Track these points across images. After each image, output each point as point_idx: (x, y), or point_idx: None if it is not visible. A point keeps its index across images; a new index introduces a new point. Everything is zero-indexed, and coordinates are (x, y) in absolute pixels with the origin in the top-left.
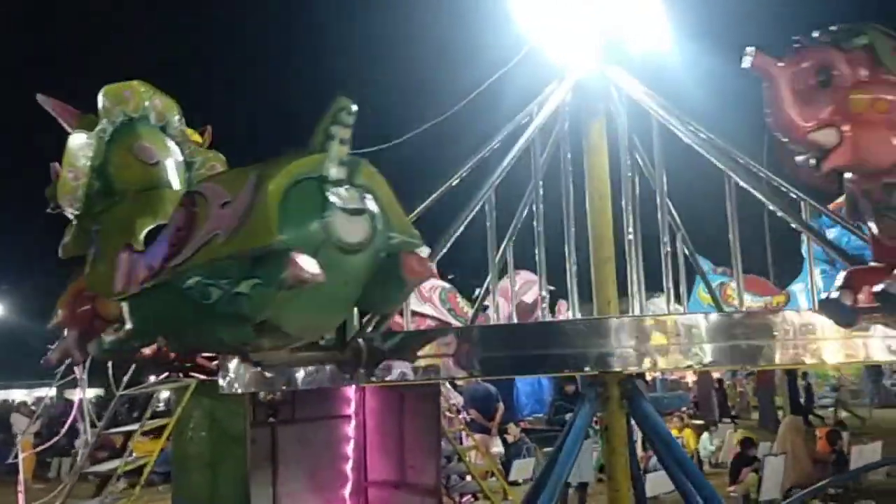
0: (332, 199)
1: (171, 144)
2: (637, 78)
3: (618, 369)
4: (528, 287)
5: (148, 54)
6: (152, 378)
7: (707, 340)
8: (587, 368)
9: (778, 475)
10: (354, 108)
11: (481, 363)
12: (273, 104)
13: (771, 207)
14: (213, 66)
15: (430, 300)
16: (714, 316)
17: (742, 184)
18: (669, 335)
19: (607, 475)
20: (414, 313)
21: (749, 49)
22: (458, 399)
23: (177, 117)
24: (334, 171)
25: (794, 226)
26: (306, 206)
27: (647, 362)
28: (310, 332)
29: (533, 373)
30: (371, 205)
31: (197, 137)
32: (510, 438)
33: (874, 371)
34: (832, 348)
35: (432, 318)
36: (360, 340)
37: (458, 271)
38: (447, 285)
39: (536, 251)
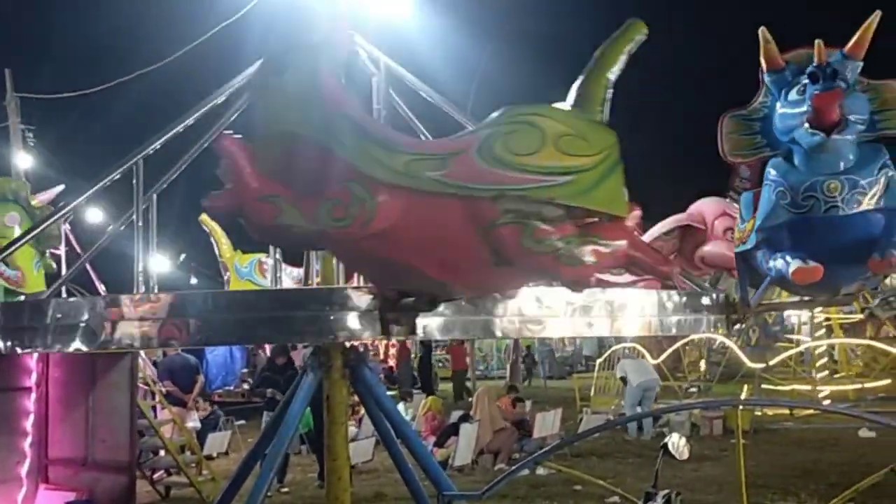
0: None
1: None
2: (376, 43)
3: (343, 340)
4: None
5: None
6: None
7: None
8: (314, 338)
9: (471, 440)
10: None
11: (199, 331)
12: None
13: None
14: None
15: None
16: None
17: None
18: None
19: (327, 445)
20: None
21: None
22: (151, 370)
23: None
24: None
25: None
26: None
27: (370, 333)
28: None
29: (257, 342)
30: None
31: None
32: (198, 413)
33: (547, 346)
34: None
35: None
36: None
37: None
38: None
39: None
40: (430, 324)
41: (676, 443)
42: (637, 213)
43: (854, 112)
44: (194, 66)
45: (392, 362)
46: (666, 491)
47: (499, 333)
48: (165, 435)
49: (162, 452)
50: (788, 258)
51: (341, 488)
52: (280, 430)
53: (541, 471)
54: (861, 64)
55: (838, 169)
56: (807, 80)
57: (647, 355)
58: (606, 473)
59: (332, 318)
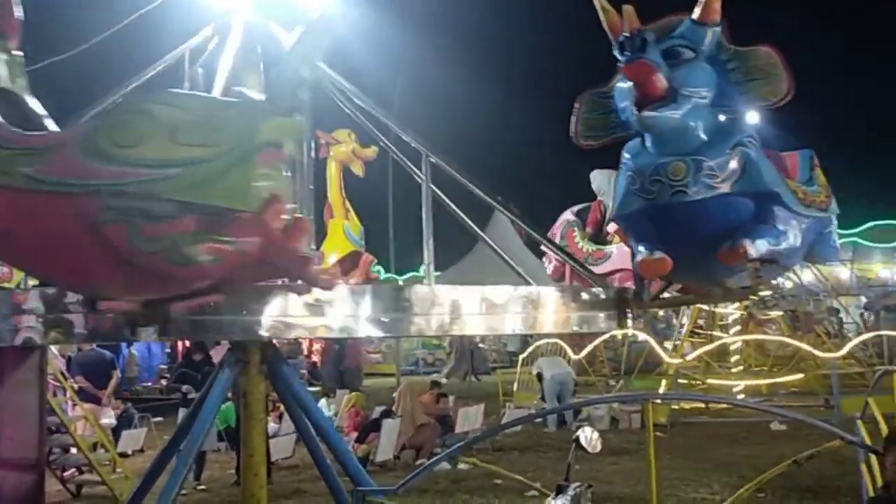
0: None
1: None
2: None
3: (263, 337)
4: None
5: None
6: None
7: (354, 312)
8: (232, 335)
9: (393, 436)
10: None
11: (113, 326)
12: None
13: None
14: None
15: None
16: (361, 288)
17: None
18: (319, 304)
19: (244, 441)
20: None
21: None
22: (62, 365)
23: None
24: None
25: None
26: None
27: (294, 331)
28: None
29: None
30: None
31: None
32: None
33: (469, 344)
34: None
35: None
36: None
37: None
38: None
39: None
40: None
41: (589, 436)
42: (279, 207)
43: (688, 84)
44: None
45: (316, 358)
46: (577, 484)
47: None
48: (78, 432)
49: (74, 450)
50: (641, 248)
51: (257, 485)
52: (194, 427)
53: (462, 465)
54: (718, 30)
55: (687, 149)
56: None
57: (569, 351)
58: (527, 467)
59: (248, 316)
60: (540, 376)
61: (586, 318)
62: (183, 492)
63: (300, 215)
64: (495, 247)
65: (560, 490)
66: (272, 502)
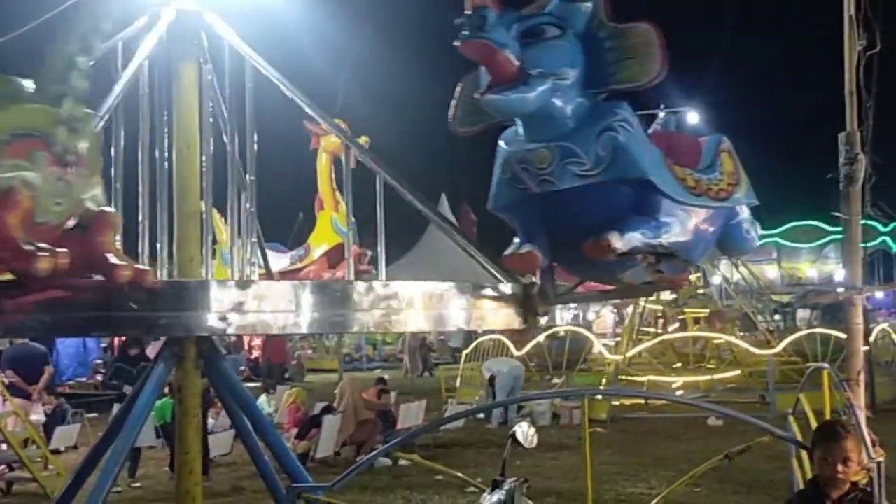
0: None
1: None
2: (238, 26)
3: (200, 333)
4: None
5: None
6: None
7: (295, 308)
8: (165, 331)
9: (334, 433)
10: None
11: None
12: None
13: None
14: None
15: None
16: (302, 284)
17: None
18: (259, 299)
19: (178, 437)
20: None
21: None
22: None
23: None
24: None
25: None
26: None
27: (231, 327)
28: None
29: (106, 335)
30: None
31: None
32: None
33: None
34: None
35: None
36: None
37: None
38: None
39: (112, 202)
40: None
41: (525, 432)
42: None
43: (543, 65)
44: None
45: (256, 354)
46: (512, 479)
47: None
48: (8, 428)
49: (4, 446)
50: (515, 241)
51: (192, 482)
52: (127, 423)
53: (403, 461)
54: (590, 5)
55: (553, 135)
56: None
57: (511, 347)
58: (468, 463)
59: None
60: (492, 379)
61: (492, 314)
62: (117, 489)
63: (106, 209)
64: (459, 239)
65: (496, 485)
66: (210, 500)
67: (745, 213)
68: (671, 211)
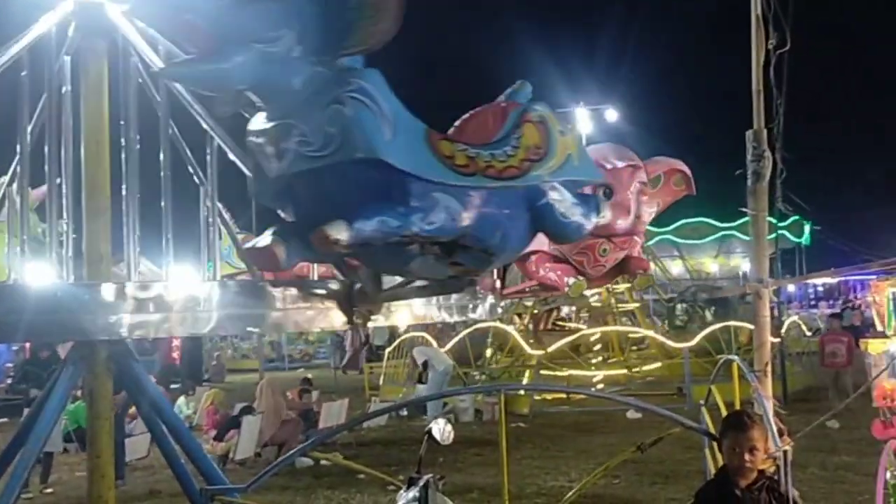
0: None
1: None
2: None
3: (106, 337)
4: None
5: None
6: None
7: (205, 308)
8: (69, 336)
9: (254, 434)
10: None
11: None
12: None
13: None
14: None
15: None
16: (210, 284)
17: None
18: (171, 302)
19: (89, 441)
20: None
21: None
22: None
23: None
24: None
25: None
26: None
27: (140, 329)
28: None
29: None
30: None
31: None
32: None
33: (338, 338)
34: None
35: None
36: None
37: None
38: None
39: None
40: None
41: (442, 428)
42: None
43: (242, 30)
44: None
45: (176, 355)
46: (428, 476)
47: None
48: None
49: None
50: (266, 232)
51: (105, 486)
52: (35, 427)
53: (325, 461)
54: None
55: (280, 112)
56: None
57: (434, 343)
58: (391, 461)
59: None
60: (426, 364)
61: (320, 312)
62: (28, 495)
63: None
64: None
65: (412, 482)
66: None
67: (558, 193)
68: (427, 194)
